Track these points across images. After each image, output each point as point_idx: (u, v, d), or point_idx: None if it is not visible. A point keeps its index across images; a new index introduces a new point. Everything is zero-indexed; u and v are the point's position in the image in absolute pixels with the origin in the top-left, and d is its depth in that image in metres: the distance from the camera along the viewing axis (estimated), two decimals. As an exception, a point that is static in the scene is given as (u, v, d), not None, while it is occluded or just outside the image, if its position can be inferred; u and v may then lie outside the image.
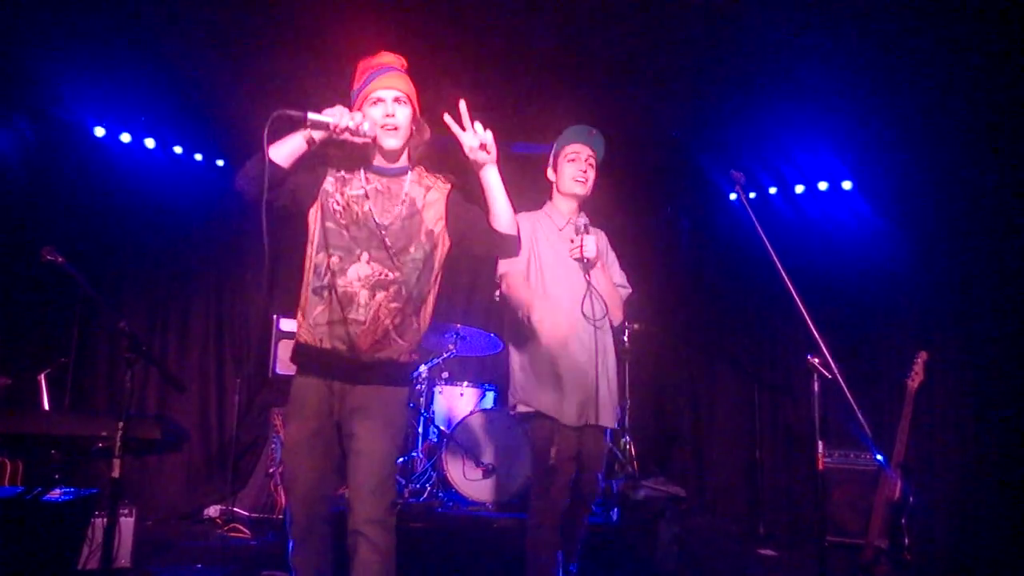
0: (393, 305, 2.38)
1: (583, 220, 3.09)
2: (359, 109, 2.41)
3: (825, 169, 5.36)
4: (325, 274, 2.37)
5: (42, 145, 4.96)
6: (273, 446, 5.07)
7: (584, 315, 2.99)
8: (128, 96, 4.96)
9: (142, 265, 5.39)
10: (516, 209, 2.51)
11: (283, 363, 4.43)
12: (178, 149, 5.47)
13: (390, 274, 2.38)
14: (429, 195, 2.49)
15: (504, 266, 3.04)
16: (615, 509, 4.38)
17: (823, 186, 5.43)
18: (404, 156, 2.51)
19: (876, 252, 5.15)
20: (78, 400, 4.93)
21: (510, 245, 2.50)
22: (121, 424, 2.38)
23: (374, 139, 2.39)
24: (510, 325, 3.12)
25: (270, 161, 2.22)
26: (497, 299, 3.15)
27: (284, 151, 2.29)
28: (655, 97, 4.50)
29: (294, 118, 2.23)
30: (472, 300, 6.01)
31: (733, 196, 5.63)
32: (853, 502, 4.35)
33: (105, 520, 3.12)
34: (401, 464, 4.87)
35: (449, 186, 2.54)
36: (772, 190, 5.57)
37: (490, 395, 5.09)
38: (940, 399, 4.74)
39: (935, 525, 4.53)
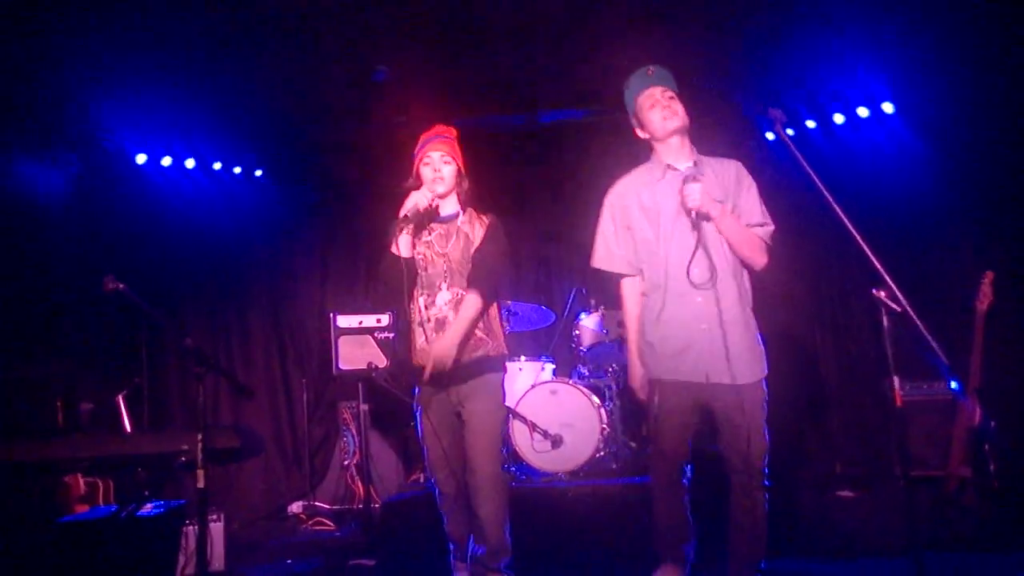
0: None
1: (691, 168, 2.93)
2: (416, 170, 3.11)
3: (865, 95, 5.13)
4: (423, 308, 3.02)
5: (91, 177, 5.13)
6: (345, 439, 5.20)
7: (691, 282, 2.85)
8: (162, 119, 5.07)
9: (197, 281, 5.55)
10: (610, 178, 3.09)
11: (345, 359, 4.54)
12: (217, 165, 5.58)
13: (464, 293, 3.00)
14: (478, 231, 3.12)
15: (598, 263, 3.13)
16: (688, 466, 4.36)
17: (863, 112, 5.20)
18: (455, 203, 3.15)
19: (926, 177, 4.92)
20: (156, 417, 5.13)
21: None
22: (200, 437, 2.48)
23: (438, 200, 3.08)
24: None
25: (407, 260, 2.98)
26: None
27: (404, 246, 3.00)
28: (680, 42, 4.37)
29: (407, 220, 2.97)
30: (519, 275, 6.01)
31: (771, 135, 5.46)
32: (930, 434, 4.20)
33: (196, 528, 3.30)
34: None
35: (490, 220, 3.15)
36: (810, 123, 5.38)
37: (549, 367, 5.09)
38: (1011, 319, 4.54)
39: (1013, 449, 4.37)
